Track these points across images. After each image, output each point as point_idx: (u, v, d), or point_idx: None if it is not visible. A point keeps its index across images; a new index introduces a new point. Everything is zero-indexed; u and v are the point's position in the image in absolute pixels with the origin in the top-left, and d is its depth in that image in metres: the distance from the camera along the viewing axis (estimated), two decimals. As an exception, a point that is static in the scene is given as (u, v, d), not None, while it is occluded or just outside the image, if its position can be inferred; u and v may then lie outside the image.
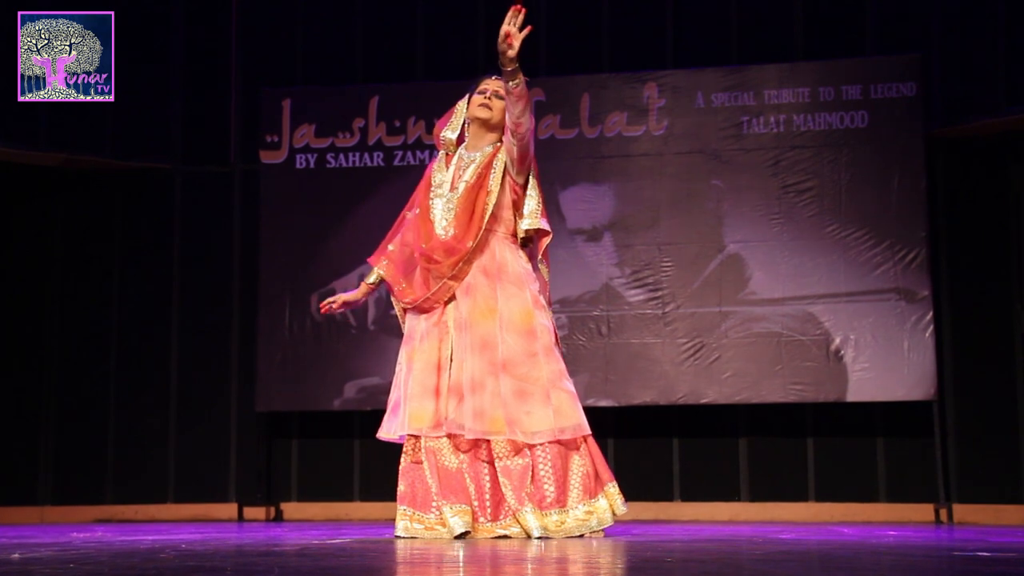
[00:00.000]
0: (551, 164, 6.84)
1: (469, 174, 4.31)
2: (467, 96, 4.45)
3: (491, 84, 4.39)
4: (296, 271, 7.02)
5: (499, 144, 4.37)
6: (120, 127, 7.28)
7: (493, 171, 4.30)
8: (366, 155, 7.02)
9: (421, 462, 4.15)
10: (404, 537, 4.09)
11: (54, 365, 7.31)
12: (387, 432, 4.26)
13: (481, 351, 4.14)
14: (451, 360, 4.19)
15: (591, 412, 6.78)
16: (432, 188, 4.37)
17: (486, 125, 4.37)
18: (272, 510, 7.08)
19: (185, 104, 7.44)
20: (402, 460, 4.23)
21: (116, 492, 7.22)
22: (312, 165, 7.08)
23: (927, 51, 6.76)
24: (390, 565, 2.93)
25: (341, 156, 7.06)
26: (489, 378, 4.11)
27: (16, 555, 3.16)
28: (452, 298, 4.26)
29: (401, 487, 4.19)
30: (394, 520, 4.24)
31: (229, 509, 7.13)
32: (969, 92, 6.72)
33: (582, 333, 6.74)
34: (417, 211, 4.37)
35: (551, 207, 6.79)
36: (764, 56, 6.94)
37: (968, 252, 6.78)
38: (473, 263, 4.24)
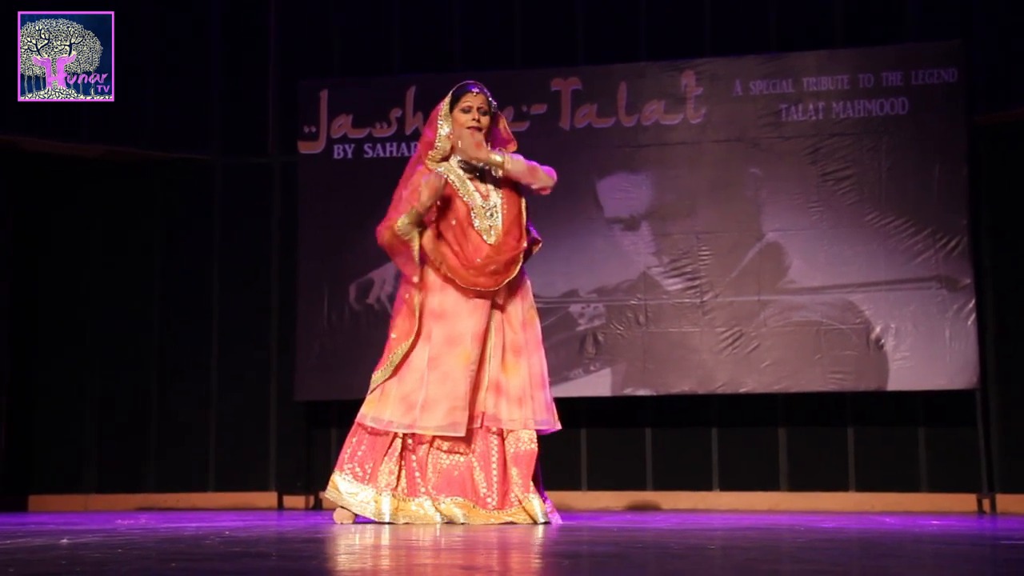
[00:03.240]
0: (588, 153, 6.84)
1: (494, 187, 4.49)
2: (447, 104, 4.50)
3: (474, 100, 4.48)
4: (334, 261, 7.04)
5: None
6: (160, 119, 7.33)
7: (515, 186, 4.50)
8: (403, 145, 7.03)
9: (413, 451, 4.38)
10: (397, 523, 4.29)
11: (96, 356, 7.38)
12: (445, 425, 4.33)
13: (537, 348, 4.47)
14: (490, 357, 4.40)
15: (629, 401, 6.83)
16: (465, 198, 4.45)
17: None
18: (311, 499, 7.12)
19: (224, 96, 7.48)
20: (392, 446, 4.40)
21: (158, 480, 7.28)
22: (350, 156, 7.11)
23: (968, 36, 6.69)
24: (433, 550, 2.94)
25: (378, 146, 7.08)
26: (544, 372, 4.46)
27: (65, 540, 3.20)
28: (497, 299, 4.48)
29: (389, 476, 4.37)
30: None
31: (269, 498, 7.18)
32: (1011, 78, 6.65)
33: (620, 322, 6.73)
34: (452, 222, 4.42)
35: (589, 196, 6.81)
36: (803, 43, 6.89)
37: (1010, 240, 6.72)
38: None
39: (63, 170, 7.35)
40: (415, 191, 4.40)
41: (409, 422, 4.35)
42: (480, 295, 4.41)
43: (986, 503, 6.41)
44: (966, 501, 6.50)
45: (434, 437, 4.35)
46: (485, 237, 4.41)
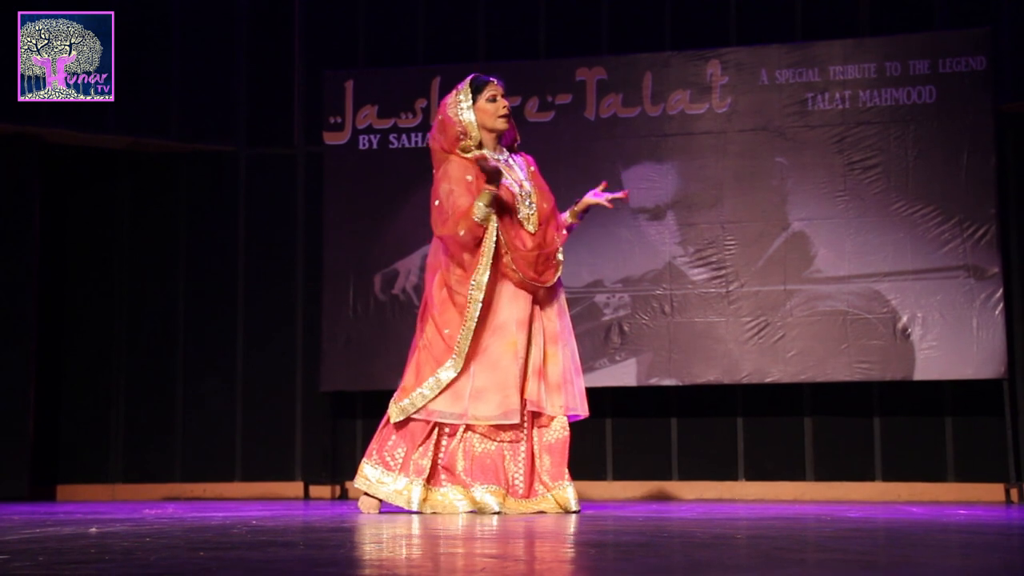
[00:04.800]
0: (613, 143, 6.84)
1: (526, 176, 4.56)
2: (468, 95, 4.52)
3: (497, 89, 4.55)
4: (360, 251, 7.05)
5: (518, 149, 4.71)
6: (185, 110, 7.36)
7: (543, 179, 4.62)
8: (428, 136, 7.03)
9: (448, 438, 4.40)
10: (424, 513, 4.33)
11: (123, 346, 7.42)
12: (498, 415, 4.34)
13: (571, 337, 4.56)
14: (533, 344, 4.43)
15: (654, 391, 6.83)
16: (511, 186, 4.49)
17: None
18: (337, 488, 7.15)
19: (249, 87, 7.50)
20: (430, 436, 4.39)
21: (184, 470, 7.33)
22: (375, 146, 7.11)
23: (997, 24, 6.64)
24: (460, 539, 2.95)
25: (403, 137, 7.09)
26: (577, 360, 4.55)
27: (93, 529, 3.23)
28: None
29: (423, 463, 4.37)
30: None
31: (295, 488, 7.21)
32: (1040, 65, 6.60)
33: (645, 312, 6.72)
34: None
35: (615, 185, 6.78)
36: (829, 31, 6.86)
37: (1039, 228, 6.68)
38: None
39: (89, 162, 7.39)
40: (472, 179, 4.40)
41: (460, 411, 4.34)
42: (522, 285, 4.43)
43: (1014, 493, 6.37)
44: (993, 491, 6.47)
45: (468, 424, 4.35)
46: (526, 224, 4.47)
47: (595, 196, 4.65)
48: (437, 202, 4.42)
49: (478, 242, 4.35)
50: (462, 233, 4.33)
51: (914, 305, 6.45)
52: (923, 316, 6.43)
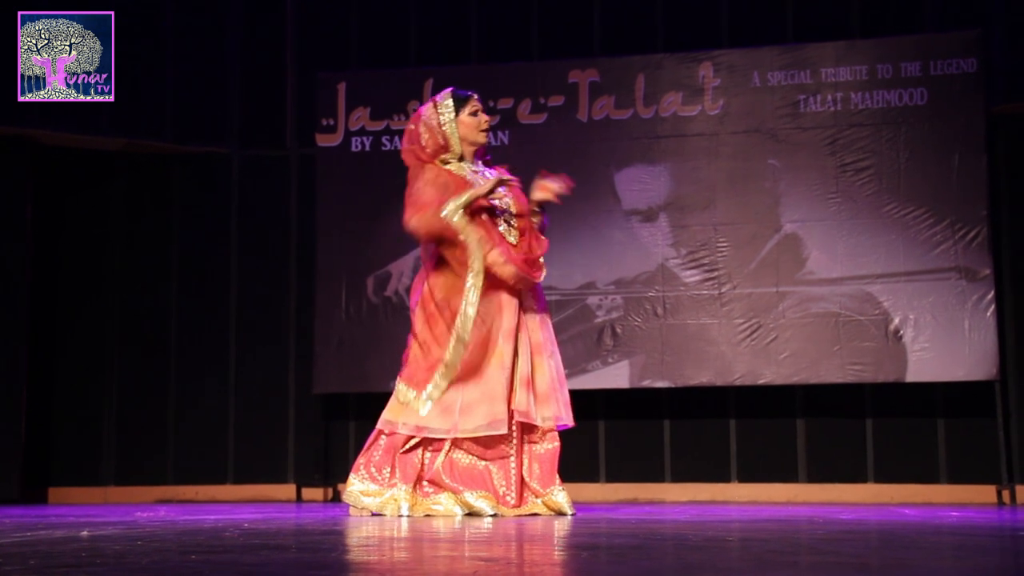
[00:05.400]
0: (606, 145, 6.84)
1: (504, 190, 4.53)
2: (451, 109, 4.51)
3: (478, 104, 4.57)
4: (352, 253, 7.05)
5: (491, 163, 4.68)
6: (179, 112, 7.35)
7: (521, 189, 4.59)
8: (401, 148, 7.03)
9: (435, 452, 4.41)
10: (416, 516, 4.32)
11: (115, 348, 7.41)
12: (485, 425, 4.34)
13: (555, 347, 4.55)
14: (520, 355, 4.42)
15: (647, 393, 6.83)
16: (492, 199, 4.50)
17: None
18: (330, 491, 7.14)
19: (242, 89, 7.49)
20: (417, 446, 4.42)
21: (177, 473, 7.31)
22: (367, 148, 7.11)
23: (988, 26, 6.66)
24: (452, 541, 2.95)
25: (396, 139, 7.08)
26: (562, 370, 4.56)
27: (85, 532, 3.22)
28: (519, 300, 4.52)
29: (409, 471, 4.39)
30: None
31: (287, 490, 7.20)
32: (1031, 68, 6.61)
33: (638, 314, 6.72)
34: (483, 216, 4.46)
35: (607, 188, 6.81)
36: (821, 34, 6.86)
37: (1030, 230, 6.68)
38: None
39: (83, 164, 7.37)
40: (461, 181, 4.41)
41: (449, 427, 4.35)
42: (509, 293, 4.42)
43: (1005, 494, 6.39)
44: (985, 492, 6.48)
45: (453, 440, 4.35)
46: (508, 237, 4.47)
47: (539, 189, 4.52)
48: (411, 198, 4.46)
49: (435, 239, 4.38)
50: (427, 222, 4.35)
51: (906, 307, 6.46)
52: (915, 318, 6.44)
